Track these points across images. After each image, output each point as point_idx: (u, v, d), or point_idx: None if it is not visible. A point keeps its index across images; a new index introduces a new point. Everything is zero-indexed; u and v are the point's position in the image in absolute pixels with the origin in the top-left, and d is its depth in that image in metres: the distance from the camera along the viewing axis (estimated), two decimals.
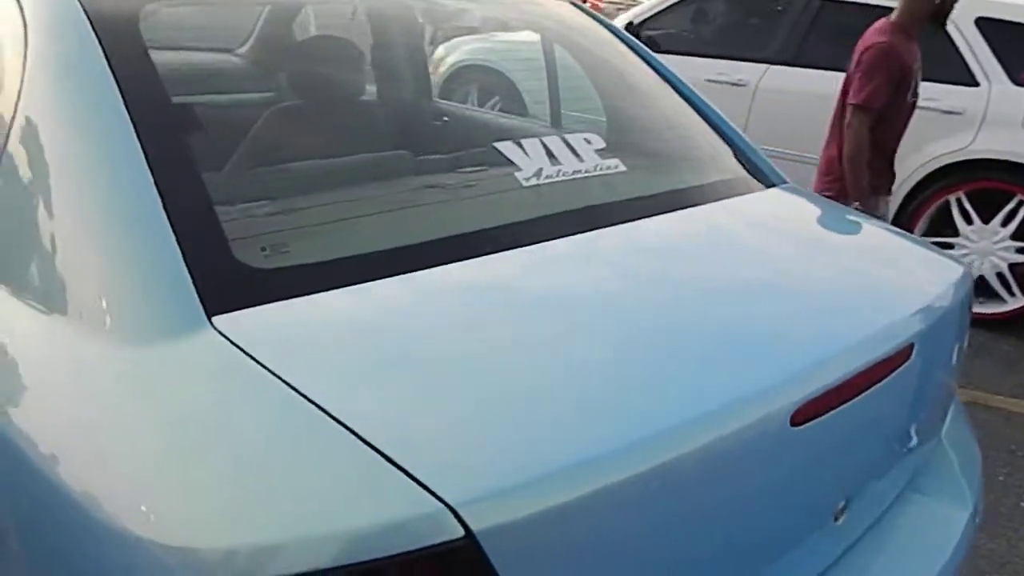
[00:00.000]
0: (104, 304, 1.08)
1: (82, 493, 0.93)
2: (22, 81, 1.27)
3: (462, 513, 0.87)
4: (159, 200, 1.14)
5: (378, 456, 0.90)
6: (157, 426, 0.96)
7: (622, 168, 1.68)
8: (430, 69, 5.18)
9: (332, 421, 0.93)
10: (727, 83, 4.34)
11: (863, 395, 1.25)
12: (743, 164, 1.97)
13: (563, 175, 1.58)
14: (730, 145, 2.01)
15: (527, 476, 0.93)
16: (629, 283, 1.32)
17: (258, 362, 1.00)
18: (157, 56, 1.36)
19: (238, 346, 1.03)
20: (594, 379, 1.08)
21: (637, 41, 2.17)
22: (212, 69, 2.19)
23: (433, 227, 1.39)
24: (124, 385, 1.02)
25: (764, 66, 4.33)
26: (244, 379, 1.00)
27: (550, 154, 1.60)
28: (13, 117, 1.26)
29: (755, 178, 1.94)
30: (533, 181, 1.53)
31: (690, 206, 1.66)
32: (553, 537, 0.93)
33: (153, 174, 1.16)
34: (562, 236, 1.42)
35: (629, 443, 0.99)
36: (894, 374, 1.32)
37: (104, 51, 1.28)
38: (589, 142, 1.69)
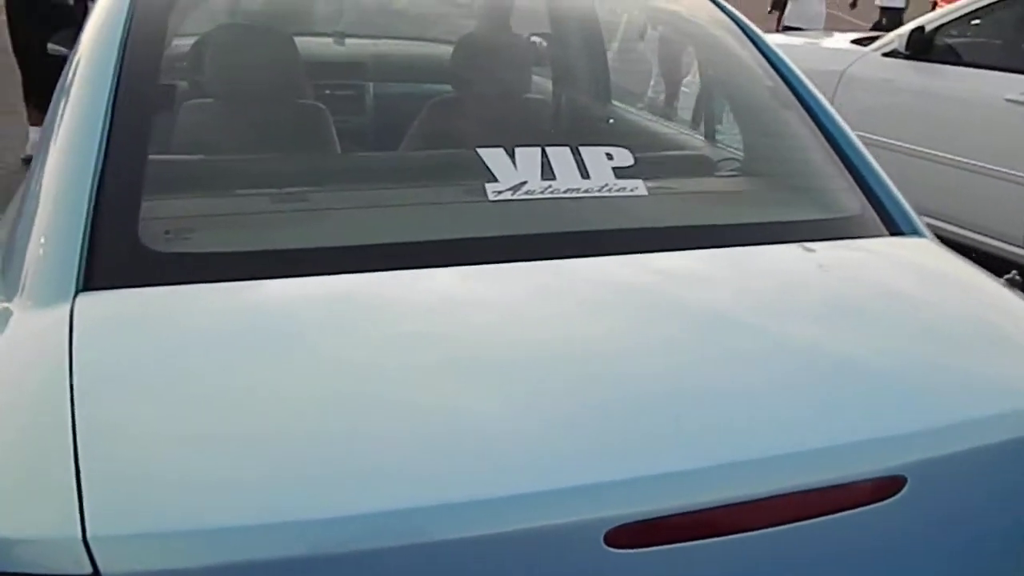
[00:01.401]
0: (17, 262, 1.15)
1: None
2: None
3: (95, 550, 0.79)
4: (93, 175, 1.19)
5: (72, 465, 0.85)
6: None
7: (641, 192, 1.42)
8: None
9: (69, 416, 0.90)
10: None
11: (779, 528, 0.94)
12: (868, 204, 1.57)
13: (550, 193, 1.37)
14: (857, 179, 1.61)
15: (198, 527, 0.82)
16: (501, 327, 1.11)
17: (70, 344, 1.00)
18: (178, 43, 1.42)
19: (71, 325, 1.03)
20: (348, 444, 0.92)
21: (769, 43, 1.81)
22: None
23: (363, 233, 1.31)
24: None
25: None
26: (45, 359, 1.00)
27: (547, 167, 1.39)
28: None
29: (879, 221, 1.54)
30: (506, 195, 1.35)
31: (732, 245, 1.36)
32: None
33: (108, 146, 1.23)
34: (505, 260, 1.24)
35: (320, 520, 0.83)
36: (853, 513, 0.96)
37: (125, 33, 1.37)
38: (611, 157, 1.45)
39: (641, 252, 1.30)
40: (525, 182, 1.37)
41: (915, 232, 1.54)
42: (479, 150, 1.39)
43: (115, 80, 1.30)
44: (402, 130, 1.75)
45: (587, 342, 1.09)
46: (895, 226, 1.54)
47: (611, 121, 2.47)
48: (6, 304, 1.11)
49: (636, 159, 1.46)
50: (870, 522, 0.97)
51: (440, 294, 1.18)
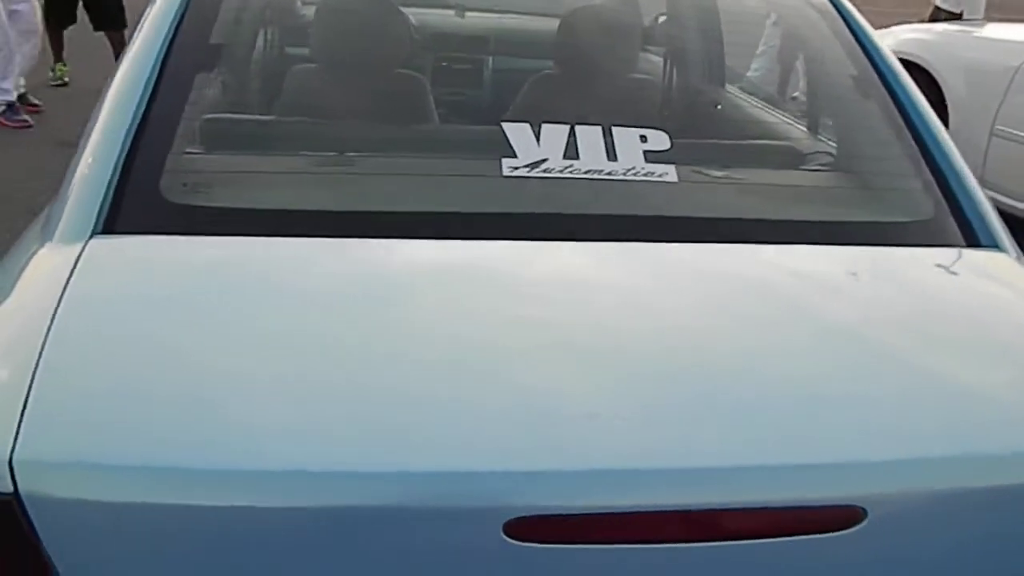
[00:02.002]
0: (59, 205, 1.24)
1: None
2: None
3: (17, 470, 0.84)
4: (128, 128, 1.27)
5: (25, 390, 0.90)
6: None
7: (670, 178, 1.34)
8: None
9: (39, 347, 0.96)
10: None
11: (698, 544, 0.87)
12: (946, 209, 1.41)
13: (570, 172, 1.32)
14: (938, 180, 1.45)
15: (123, 462, 0.86)
16: (461, 304, 1.09)
17: (68, 281, 1.07)
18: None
19: (77, 264, 1.10)
20: (324, 395, 0.95)
21: (867, 30, 1.66)
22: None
23: (372, 199, 1.32)
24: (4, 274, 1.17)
25: None
26: (41, 293, 1.07)
27: (571, 146, 1.34)
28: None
29: (956, 230, 1.39)
30: (521, 172, 1.32)
31: (751, 242, 1.27)
32: (125, 537, 0.86)
33: (149, 102, 1.30)
34: (509, 237, 1.22)
35: (218, 469, 0.86)
36: (798, 540, 0.87)
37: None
38: (644, 140, 1.37)
39: (651, 241, 1.23)
40: (545, 160, 1.33)
41: (995, 245, 1.37)
42: (503, 125, 1.36)
43: (169, 38, 1.37)
44: (506, 104, 1.74)
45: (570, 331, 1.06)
46: (973, 236, 1.38)
47: (719, 107, 2.35)
48: (37, 244, 1.20)
49: (673, 143, 1.38)
50: (817, 553, 0.88)
51: (425, 265, 1.17)
